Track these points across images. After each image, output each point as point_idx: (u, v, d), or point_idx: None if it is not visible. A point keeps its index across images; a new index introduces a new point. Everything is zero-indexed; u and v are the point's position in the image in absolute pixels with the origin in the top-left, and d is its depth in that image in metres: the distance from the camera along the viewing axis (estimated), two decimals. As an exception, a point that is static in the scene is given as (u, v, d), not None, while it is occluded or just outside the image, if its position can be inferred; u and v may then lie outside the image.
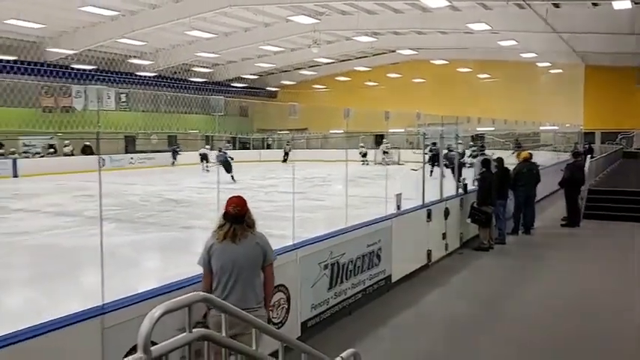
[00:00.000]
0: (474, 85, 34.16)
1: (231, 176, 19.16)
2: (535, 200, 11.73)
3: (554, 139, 26.71)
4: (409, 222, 7.74)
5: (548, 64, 31.21)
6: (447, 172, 10.31)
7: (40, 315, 3.45)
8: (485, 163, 9.95)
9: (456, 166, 10.63)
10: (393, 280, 7.13)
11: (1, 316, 5.78)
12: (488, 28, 22.11)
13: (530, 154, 12.06)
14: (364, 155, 30.00)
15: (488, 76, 34.32)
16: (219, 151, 21.84)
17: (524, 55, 29.06)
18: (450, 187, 9.80)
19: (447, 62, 32.93)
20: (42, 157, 26.92)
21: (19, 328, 3.06)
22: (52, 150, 27.52)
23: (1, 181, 21.50)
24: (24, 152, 26.70)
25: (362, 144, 30.73)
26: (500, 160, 10.73)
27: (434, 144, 17.40)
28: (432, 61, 33.01)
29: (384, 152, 29.21)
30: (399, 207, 7.44)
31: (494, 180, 9.87)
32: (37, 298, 6.62)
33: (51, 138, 27.26)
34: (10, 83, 22.19)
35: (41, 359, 3.04)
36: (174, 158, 30.08)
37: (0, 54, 23.11)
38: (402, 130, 29.77)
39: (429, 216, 8.26)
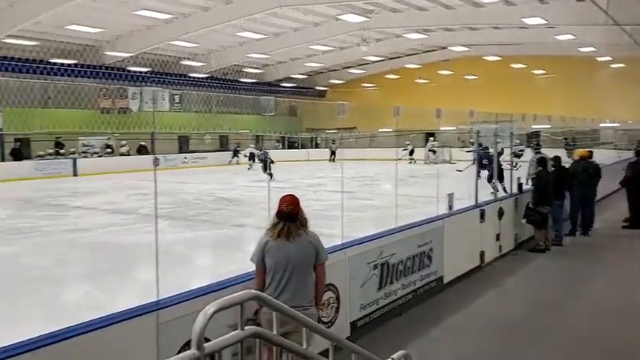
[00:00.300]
0: (528, 82, 33.15)
1: (269, 174, 19.47)
2: (595, 200, 11.24)
3: (615, 137, 25.56)
4: (461, 222, 7.56)
5: (608, 58, 29.84)
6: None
7: (97, 310, 3.56)
8: (542, 161, 9.61)
9: (495, 168, 10.22)
10: (445, 281, 6.99)
11: (61, 311, 6.03)
12: (544, 22, 21.37)
13: (590, 152, 11.56)
14: (411, 153, 29.69)
15: (544, 72, 33.21)
16: (261, 150, 22.40)
17: (582, 50, 27.93)
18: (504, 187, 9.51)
19: (500, 58, 32.09)
20: (100, 156, 27.99)
21: (78, 322, 3.17)
22: (109, 150, 28.58)
23: (61, 180, 22.51)
24: (83, 152, 27.85)
25: (407, 142, 30.38)
26: (557, 159, 10.36)
27: (480, 145, 17.46)
28: (484, 58, 32.26)
29: (430, 151, 28.80)
30: (450, 207, 7.28)
31: (550, 179, 9.53)
32: (94, 293, 6.87)
33: (108, 138, 28.32)
34: (71, 86, 23.22)
35: (99, 353, 3.13)
36: (237, 156, 30.91)
37: (62, 58, 24.23)
38: (454, 128, 29.22)
39: (482, 216, 8.05)
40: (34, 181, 21.23)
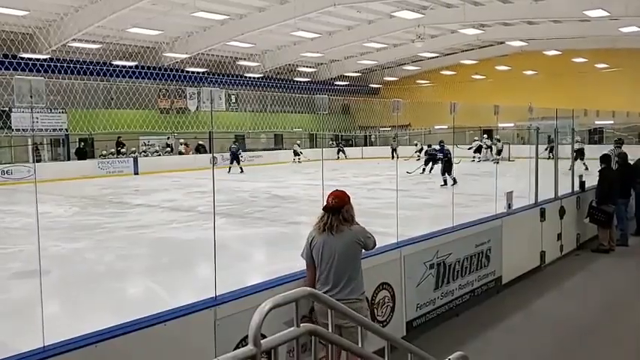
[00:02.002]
0: (591, 76, 31.73)
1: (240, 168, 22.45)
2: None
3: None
4: (521, 221, 7.33)
5: (678, 49, 28.20)
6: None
7: (158, 304, 3.67)
8: (605, 158, 9.18)
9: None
10: (504, 281, 6.79)
11: (124, 305, 6.27)
12: (607, 14, 20.40)
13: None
14: (420, 151, 27.77)
15: (607, 65, 31.70)
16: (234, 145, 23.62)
17: (648, 42, 26.52)
18: (567, 185, 9.16)
19: (560, 52, 30.89)
20: (159, 155, 28.93)
21: (139, 317, 3.28)
22: (168, 149, 29.49)
23: (123, 178, 23.43)
24: (143, 151, 28.86)
25: (416, 141, 29.75)
26: (622, 156, 9.87)
27: (429, 146, 17.63)
28: (544, 52, 31.12)
29: (487, 147, 28.06)
30: (509, 205, 7.07)
31: (615, 177, 9.09)
32: (155, 288, 7.10)
33: (168, 138, 29.22)
34: (132, 87, 24.11)
35: (159, 347, 3.23)
36: (344, 153, 33.39)
37: (123, 60, 25.19)
38: (512, 125, 28.35)
39: (542, 215, 7.77)
40: (97, 180, 22.20)
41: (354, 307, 3.58)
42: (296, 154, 31.11)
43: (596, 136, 29.60)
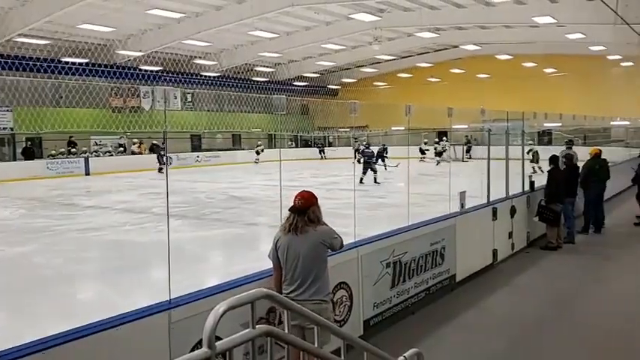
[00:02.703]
0: (540, 80, 32.93)
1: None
2: (604, 198, 11.17)
3: (627, 135, 25.31)
4: (474, 220, 7.52)
5: (619, 56, 29.58)
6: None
7: (110, 309, 3.57)
8: (553, 159, 9.53)
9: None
10: (458, 279, 6.95)
11: (74, 310, 6.08)
12: (554, 21, 21.24)
13: (599, 150, 11.48)
14: (423, 152, 29.49)
15: (555, 70, 32.97)
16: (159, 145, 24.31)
17: (593, 48, 27.71)
18: (518, 186, 9.45)
19: (511, 57, 31.91)
20: (111, 155, 28.20)
21: (91, 321, 3.18)
22: (121, 149, 28.78)
23: (74, 179, 22.71)
24: (95, 151, 28.06)
25: (426, 140, 30.29)
26: (569, 157, 10.28)
27: (367, 146, 19.29)
28: (496, 56, 32.08)
29: (443, 150, 28.71)
30: (463, 205, 7.24)
31: (562, 177, 9.45)
32: (107, 292, 6.91)
33: (120, 137, 28.52)
34: (83, 85, 23.39)
35: (112, 352, 3.14)
36: (324, 153, 33.41)
37: (73, 57, 24.38)
38: (466, 127, 29.06)
39: (494, 214, 7.99)
40: (46, 180, 21.43)
41: (318, 309, 3.59)
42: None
43: (545, 138, 30.72)
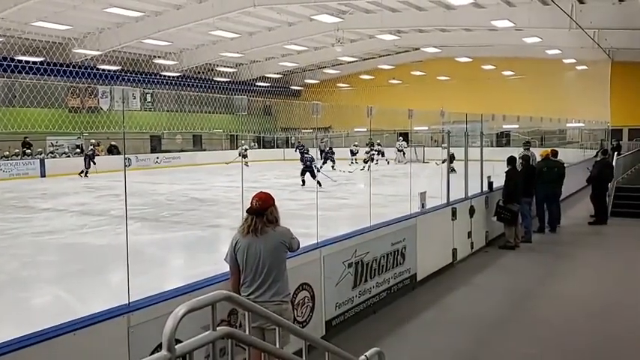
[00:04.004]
0: (498, 83, 33.76)
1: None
2: (560, 198, 11.53)
3: (581, 136, 26.22)
4: (434, 220, 7.66)
5: (573, 60, 30.62)
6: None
7: (68, 313, 3.49)
8: (511, 160, 9.79)
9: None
10: (418, 278, 7.06)
11: (30, 314, 5.90)
12: (512, 25, 21.80)
13: (555, 151, 11.85)
14: (354, 154, 28.58)
15: (513, 73, 33.87)
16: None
17: (549, 52, 28.59)
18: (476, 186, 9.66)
19: (471, 60, 32.57)
20: (68, 157, 27.42)
21: (47, 327, 3.10)
22: (78, 150, 28.02)
23: (29, 181, 21.99)
24: (51, 152, 27.23)
25: (356, 142, 29.68)
26: (525, 158, 10.59)
27: (302, 146, 18.70)
28: (456, 59, 32.69)
29: (399, 151, 29.01)
30: (423, 205, 7.37)
31: (520, 177, 9.73)
32: (64, 296, 6.73)
33: (77, 138, 27.76)
34: (38, 84, 22.66)
35: (70, 356, 3.07)
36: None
37: (28, 55, 23.59)
38: (426, 128, 29.55)
39: (454, 214, 8.16)
40: None
41: (279, 309, 3.60)
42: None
43: (503, 139, 31.51)
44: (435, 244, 7.67)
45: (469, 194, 9.11)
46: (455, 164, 10.18)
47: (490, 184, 9.97)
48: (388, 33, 27.09)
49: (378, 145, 29.27)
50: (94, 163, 23.06)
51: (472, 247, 8.86)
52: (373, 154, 25.65)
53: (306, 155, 18.84)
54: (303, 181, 17.85)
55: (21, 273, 7.83)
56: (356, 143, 29.62)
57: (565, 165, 11.84)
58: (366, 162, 24.69)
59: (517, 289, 7.23)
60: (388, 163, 28.10)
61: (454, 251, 8.14)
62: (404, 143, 29.29)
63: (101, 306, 3.51)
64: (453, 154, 9.89)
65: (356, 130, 33.38)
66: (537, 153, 12.28)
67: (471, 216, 8.86)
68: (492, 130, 25.39)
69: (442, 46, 30.56)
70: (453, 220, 8.15)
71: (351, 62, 35.90)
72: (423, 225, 7.17)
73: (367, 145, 27.07)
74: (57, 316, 3.44)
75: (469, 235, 8.77)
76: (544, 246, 9.91)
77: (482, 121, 11.16)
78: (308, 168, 17.81)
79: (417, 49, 32.82)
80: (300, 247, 4.13)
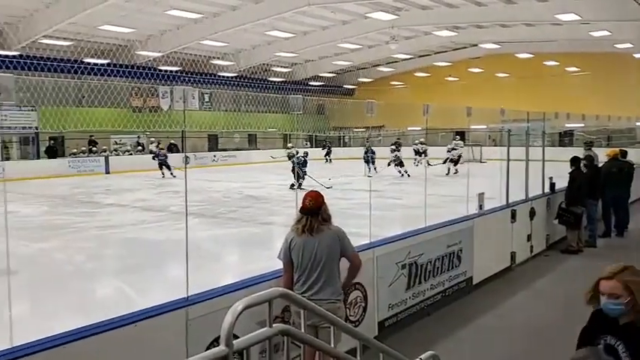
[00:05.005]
0: (561, 79, 32.45)
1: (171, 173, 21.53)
2: (629, 201, 10.95)
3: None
4: (492, 222, 7.45)
5: (645, 54, 29.03)
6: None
7: (129, 305, 3.62)
8: (575, 160, 9.39)
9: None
10: (475, 282, 6.90)
11: (93, 306, 6.16)
12: (578, 18, 20.88)
13: (624, 151, 11.27)
14: (419, 153, 26.28)
15: (578, 69, 32.45)
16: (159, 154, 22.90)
17: (618, 46, 27.19)
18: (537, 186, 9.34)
19: (532, 55, 31.50)
20: (130, 154, 28.50)
21: (110, 317, 3.23)
22: (140, 148, 29.08)
23: (94, 177, 23.02)
24: (114, 150, 28.39)
25: (422, 140, 28.29)
26: (590, 158, 10.12)
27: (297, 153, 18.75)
28: (516, 55, 31.71)
29: (454, 149, 28.18)
30: (481, 207, 7.19)
31: (584, 179, 9.31)
32: (126, 289, 7.00)
33: (138, 137, 28.80)
34: (104, 85, 23.70)
35: (130, 347, 3.19)
36: (329, 156, 31.21)
37: (95, 58, 24.73)
38: (484, 127, 28.78)
39: (513, 216, 7.91)
40: (67, 179, 21.75)
41: (332, 308, 3.60)
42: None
43: (566, 138, 30.27)
44: (493, 247, 7.47)
45: (529, 196, 8.81)
46: (472, 165, 9.79)
47: (552, 185, 9.61)
48: (445, 29, 26.61)
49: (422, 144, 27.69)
50: (168, 168, 22.12)
51: (532, 251, 8.56)
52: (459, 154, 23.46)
53: (299, 156, 18.39)
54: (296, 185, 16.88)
55: (86, 265, 8.21)
56: (422, 140, 28.38)
57: (635, 166, 11.24)
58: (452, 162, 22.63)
59: (577, 295, 6.86)
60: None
61: (513, 254, 7.89)
62: (460, 143, 28.60)
63: (160, 299, 3.63)
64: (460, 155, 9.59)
65: (410, 128, 32.94)
66: (602, 153, 11.72)
67: (532, 218, 8.56)
68: (555, 129, 24.39)
69: (502, 42, 29.68)
70: (512, 222, 7.90)
71: (405, 60, 35.50)
72: (480, 227, 7.00)
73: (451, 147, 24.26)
74: (118, 308, 3.58)
75: (529, 238, 8.48)
76: (610, 251, 9.43)
77: (544, 119, 10.77)
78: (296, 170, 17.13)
79: (474, 45, 32.03)
80: (353, 247, 4.11)
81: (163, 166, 22.11)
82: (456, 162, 22.35)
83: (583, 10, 20.33)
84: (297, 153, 19.19)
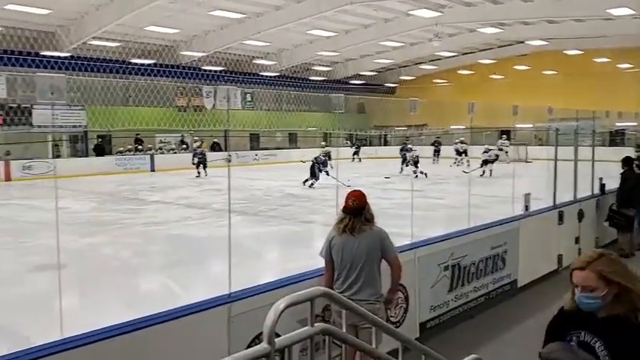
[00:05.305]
0: (613, 77, 31.22)
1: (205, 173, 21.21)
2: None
3: None
4: (539, 224, 7.24)
5: None
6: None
7: (172, 300, 3.69)
8: (627, 161, 9.02)
9: None
10: (520, 284, 6.71)
11: (138, 300, 6.32)
12: (632, 12, 20.04)
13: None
14: (460, 153, 26.53)
15: (631, 65, 31.16)
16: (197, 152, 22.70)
17: (675, 41, 26.03)
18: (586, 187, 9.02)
19: (581, 52, 30.46)
20: (175, 152, 29.12)
21: (154, 312, 3.29)
22: (184, 146, 29.68)
23: (140, 175, 23.63)
24: (159, 148, 29.07)
25: (462, 138, 27.22)
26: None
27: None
28: (564, 52, 30.72)
29: (499, 149, 27.55)
30: (527, 207, 6.99)
31: (636, 180, 8.93)
32: (169, 284, 7.15)
33: (182, 136, 29.41)
34: (150, 85, 24.30)
35: (173, 342, 3.24)
36: (357, 155, 30.98)
37: (141, 58, 25.41)
38: (531, 126, 28.02)
39: (560, 218, 7.67)
40: (114, 176, 22.41)
41: (372, 309, 3.57)
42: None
43: (617, 138, 29.10)
44: (539, 249, 7.25)
45: (578, 197, 8.52)
46: (517, 164, 9.48)
47: (602, 186, 9.26)
48: (490, 26, 26.03)
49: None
50: (205, 167, 22.13)
51: (580, 254, 8.25)
52: (496, 154, 22.42)
53: (319, 157, 18.59)
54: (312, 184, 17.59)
55: (132, 260, 8.43)
56: (462, 139, 27.82)
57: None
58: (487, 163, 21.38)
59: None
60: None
61: (559, 257, 7.65)
62: (506, 142, 27.94)
63: (203, 295, 3.68)
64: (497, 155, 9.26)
65: (453, 127, 32.41)
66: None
67: (580, 220, 8.27)
68: (605, 128, 23.53)
69: (549, 38, 28.80)
70: (559, 224, 7.66)
71: (449, 57, 34.95)
72: (526, 228, 6.81)
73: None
74: (163, 303, 3.64)
75: (577, 240, 8.19)
76: (664, 255, 9.03)
77: (594, 118, 10.38)
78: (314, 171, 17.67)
79: (521, 42, 31.23)
80: (395, 246, 4.06)
81: (201, 165, 21.98)
82: (492, 162, 21.59)
83: (636, 4, 19.50)
84: (329, 152, 19.67)
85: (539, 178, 8.24)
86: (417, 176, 19.71)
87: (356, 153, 31.43)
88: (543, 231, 7.42)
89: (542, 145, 23.33)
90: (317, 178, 17.55)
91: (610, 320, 2.13)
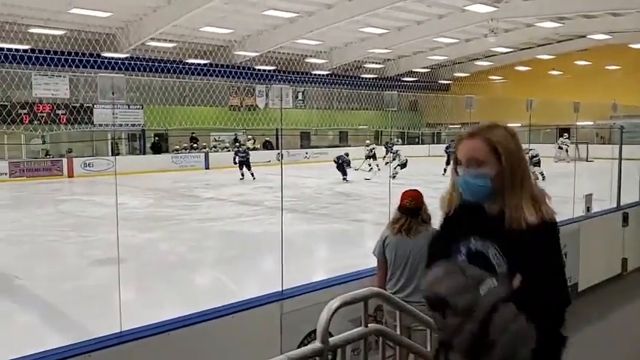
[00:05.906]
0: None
1: (251, 173, 20.49)
2: None
3: None
4: (601, 226, 6.92)
5: None
6: None
7: (225, 296, 3.75)
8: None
9: None
10: (580, 289, 6.43)
11: (193, 295, 6.46)
12: (703, 2, 18.89)
13: None
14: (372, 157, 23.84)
15: None
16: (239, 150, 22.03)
17: None
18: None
19: (647, 46, 28.94)
20: (228, 150, 29.70)
21: (208, 308, 3.35)
22: (237, 144, 30.22)
23: (195, 172, 24.23)
24: (214, 147, 29.73)
25: (368, 141, 25.34)
26: None
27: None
28: (629, 46, 29.25)
29: (560, 148, 26.57)
30: (588, 209, 6.69)
31: None
32: (223, 279, 7.29)
33: (236, 134, 29.97)
34: (205, 85, 24.89)
35: (226, 338, 3.29)
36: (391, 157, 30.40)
37: (196, 58, 26.04)
38: (592, 123, 26.88)
39: (625, 220, 7.30)
40: (170, 173, 23.07)
41: (425, 311, 3.50)
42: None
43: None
44: (602, 252, 6.93)
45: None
46: (578, 164, 9.05)
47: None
48: (549, 20, 25.11)
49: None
50: (249, 168, 20.67)
51: (646, 257, 7.86)
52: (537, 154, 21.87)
53: (341, 156, 19.73)
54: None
55: (187, 256, 8.65)
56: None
57: None
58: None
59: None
60: None
61: (624, 261, 7.29)
62: (567, 141, 26.93)
63: (255, 291, 3.72)
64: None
65: (509, 125, 31.46)
66: None
67: (646, 222, 7.86)
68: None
69: (612, 32, 27.50)
70: (623, 226, 7.29)
71: (505, 53, 33.96)
72: (587, 230, 6.51)
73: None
74: (217, 298, 3.71)
75: (643, 243, 7.79)
76: None
77: (661, 115, 9.84)
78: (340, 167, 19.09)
79: (582, 36, 29.97)
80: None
81: (244, 166, 20.48)
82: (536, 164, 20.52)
83: None
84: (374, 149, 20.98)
85: (601, 178, 7.89)
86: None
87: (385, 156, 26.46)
88: (606, 233, 7.09)
89: (604, 144, 22.36)
90: (345, 174, 19.10)
91: (503, 218, 1.64)
